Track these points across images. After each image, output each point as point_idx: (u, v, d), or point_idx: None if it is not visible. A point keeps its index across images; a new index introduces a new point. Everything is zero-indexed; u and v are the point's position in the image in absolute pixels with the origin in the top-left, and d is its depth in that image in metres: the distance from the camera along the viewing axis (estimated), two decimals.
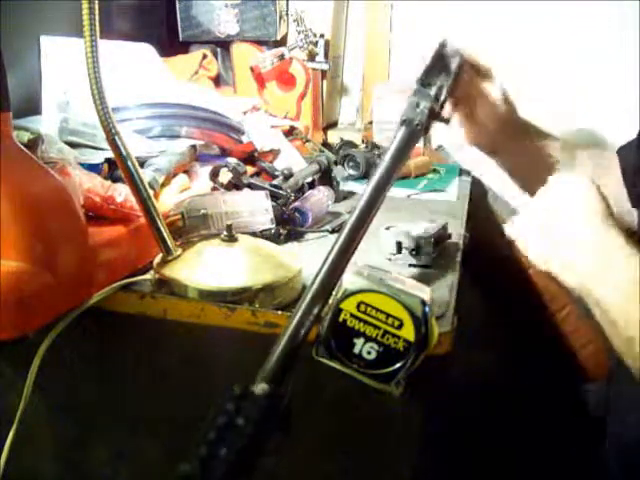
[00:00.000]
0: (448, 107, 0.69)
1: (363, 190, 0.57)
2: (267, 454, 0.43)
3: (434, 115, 0.62)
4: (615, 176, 0.73)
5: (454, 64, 0.66)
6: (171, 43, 1.53)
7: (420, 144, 1.49)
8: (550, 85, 1.50)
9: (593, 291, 0.54)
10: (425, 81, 0.63)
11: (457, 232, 0.91)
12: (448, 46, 0.67)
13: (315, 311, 0.50)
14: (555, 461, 0.95)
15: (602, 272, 0.54)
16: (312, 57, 1.56)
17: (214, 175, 0.92)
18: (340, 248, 0.54)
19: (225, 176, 0.93)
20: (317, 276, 0.52)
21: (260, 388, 0.45)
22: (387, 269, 0.52)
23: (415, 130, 0.60)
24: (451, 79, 0.64)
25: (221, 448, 0.39)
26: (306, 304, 0.50)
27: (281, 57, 1.42)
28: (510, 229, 0.62)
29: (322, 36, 1.57)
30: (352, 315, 0.48)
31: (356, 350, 0.49)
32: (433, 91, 0.62)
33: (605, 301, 0.53)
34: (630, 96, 1.40)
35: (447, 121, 0.67)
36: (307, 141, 1.41)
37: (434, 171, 1.37)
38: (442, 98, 0.63)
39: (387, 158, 0.59)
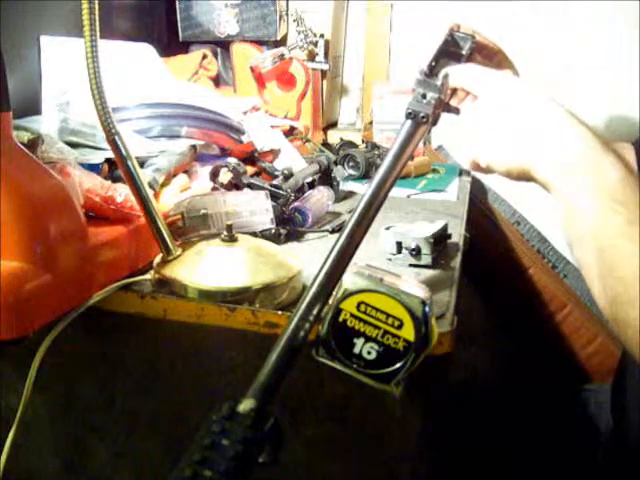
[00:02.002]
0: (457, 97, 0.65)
1: (366, 188, 0.56)
2: (257, 469, 0.43)
3: (442, 106, 0.59)
4: None
5: (465, 49, 0.62)
6: (171, 43, 1.53)
7: (420, 143, 1.49)
8: (553, 86, 1.50)
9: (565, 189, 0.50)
10: (432, 70, 0.59)
11: (457, 232, 0.91)
12: (460, 30, 0.63)
13: (314, 313, 0.50)
14: (554, 461, 0.95)
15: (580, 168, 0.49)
16: (312, 57, 1.57)
17: (214, 175, 0.92)
18: (341, 245, 0.53)
19: (225, 176, 0.93)
20: (317, 277, 0.52)
21: (247, 406, 0.44)
22: (387, 269, 0.52)
23: (421, 123, 0.57)
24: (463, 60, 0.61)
25: (206, 469, 0.39)
26: (305, 306, 0.50)
27: (281, 57, 1.42)
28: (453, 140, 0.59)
29: (322, 36, 1.57)
30: (352, 315, 0.48)
31: (356, 350, 0.49)
32: (440, 81, 0.57)
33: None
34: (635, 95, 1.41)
35: (457, 111, 0.61)
36: (307, 141, 1.41)
37: (434, 171, 1.37)
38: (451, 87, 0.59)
39: (391, 153, 0.57)
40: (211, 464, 0.40)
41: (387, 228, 0.80)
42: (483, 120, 0.57)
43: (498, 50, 0.68)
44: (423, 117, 0.57)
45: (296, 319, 0.50)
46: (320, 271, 0.52)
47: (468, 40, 0.63)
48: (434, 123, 0.59)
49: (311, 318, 0.50)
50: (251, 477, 0.42)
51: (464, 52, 0.62)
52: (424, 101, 0.57)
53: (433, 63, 0.59)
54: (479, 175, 1.49)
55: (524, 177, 0.54)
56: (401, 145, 0.57)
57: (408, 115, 0.57)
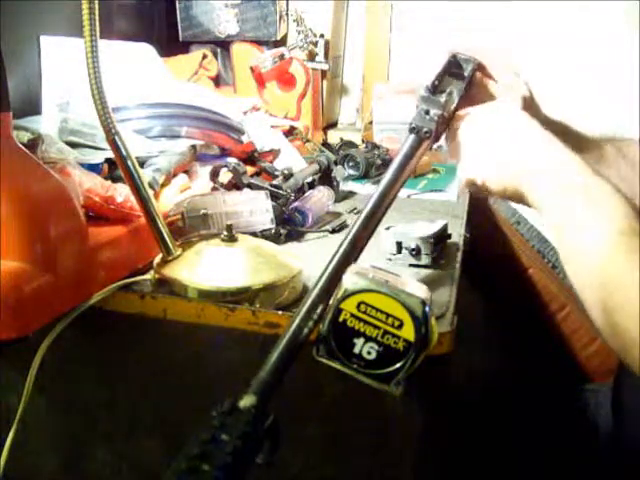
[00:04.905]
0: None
1: (369, 197, 0.58)
2: (254, 467, 0.43)
3: (445, 122, 0.60)
4: (633, 165, 0.72)
5: (467, 70, 0.64)
6: (171, 43, 1.54)
7: None
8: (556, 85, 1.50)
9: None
10: (435, 88, 0.61)
11: (457, 232, 0.91)
12: (461, 53, 0.65)
13: (317, 312, 0.50)
14: (554, 461, 0.95)
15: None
16: (312, 57, 1.57)
17: (214, 175, 0.92)
18: (343, 254, 0.54)
19: (225, 176, 0.93)
20: (319, 281, 0.53)
21: (248, 402, 0.45)
22: (387, 269, 0.52)
23: (424, 138, 0.59)
24: (464, 85, 0.63)
25: (204, 464, 0.39)
26: (309, 305, 0.51)
27: (281, 57, 1.42)
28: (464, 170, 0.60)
29: (322, 36, 1.57)
30: (352, 315, 0.48)
31: (356, 350, 0.49)
32: (444, 98, 0.59)
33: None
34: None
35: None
36: (307, 141, 1.42)
37: (434, 171, 1.37)
38: (454, 105, 0.61)
39: (394, 166, 0.59)
40: (209, 459, 0.40)
41: (387, 228, 0.80)
42: (477, 138, 0.58)
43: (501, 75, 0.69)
44: (426, 132, 0.58)
45: (299, 317, 0.50)
46: (322, 275, 0.53)
47: (470, 62, 0.65)
48: (437, 139, 0.60)
49: (314, 317, 0.50)
50: (248, 474, 0.42)
51: (466, 73, 0.64)
52: (427, 117, 0.59)
53: (436, 82, 0.61)
54: None
55: (517, 199, 0.56)
56: (403, 159, 0.59)
57: (412, 130, 0.59)
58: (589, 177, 0.51)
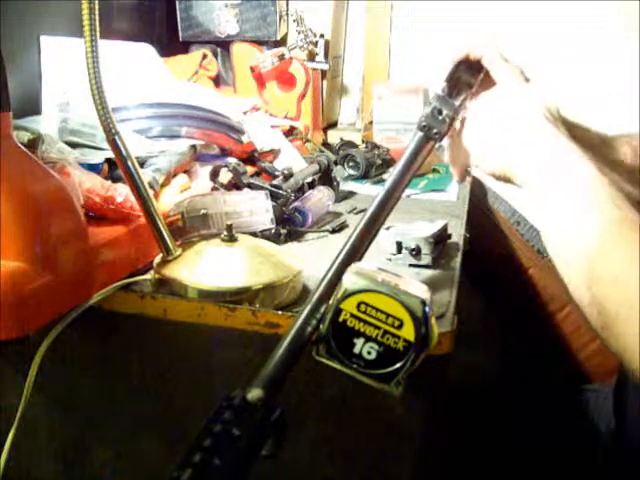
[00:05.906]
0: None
1: (375, 196, 0.57)
2: (260, 460, 0.43)
3: (452, 126, 0.60)
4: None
5: (476, 78, 0.63)
6: (171, 43, 1.54)
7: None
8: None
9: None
10: (450, 89, 0.60)
11: (457, 232, 0.91)
12: (469, 59, 0.63)
13: (319, 314, 0.50)
14: (554, 461, 0.95)
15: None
16: (312, 57, 1.57)
17: (214, 175, 0.92)
18: (348, 252, 0.55)
19: (225, 176, 0.93)
20: (324, 279, 0.53)
21: (255, 395, 0.45)
22: (387, 269, 0.52)
23: (432, 138, 0.58)
24: (472, 91, 0.62)
25: (214, 457, 0.40)
26: (310, 307, 0.51)
27: (281, 57, 1.42)
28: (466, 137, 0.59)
29: (322, 36, 1.57)
30: (352, 315, 0.48)
31: (356, 350, 0.49)
32: (458, 101, 0.59)
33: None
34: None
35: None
36: (307, 141, 1.41)
37: (434, 171, 1.37)
38: (463, 109, 0.61)
39: (401, 163, 0.58)
40: (221, 452, 0.40)
41: (387, 228, 0.80)
42: (485, 117, 0.58)
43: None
44: (436, 133, 0.58)
45: (304, 315, 0.50)
46: (329, 271, 0.53)
47: (479, 71, 0.63)
48: (440, 139, 0.60)
49: (318, 316, 0.51)
50: (253, 468, 0.43)
51: (475, 80, 0.63)
52: (439, 117, 0.58)
53: (451, 83, 0.60)
54: (480, 175, 1.49)
55: (505, 178, 0.56)
56: (411, 155, 0.59)
57: (422, 128, 0.58)
58: (587, 179, 0.50)
